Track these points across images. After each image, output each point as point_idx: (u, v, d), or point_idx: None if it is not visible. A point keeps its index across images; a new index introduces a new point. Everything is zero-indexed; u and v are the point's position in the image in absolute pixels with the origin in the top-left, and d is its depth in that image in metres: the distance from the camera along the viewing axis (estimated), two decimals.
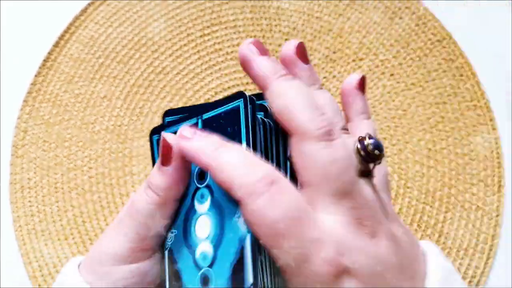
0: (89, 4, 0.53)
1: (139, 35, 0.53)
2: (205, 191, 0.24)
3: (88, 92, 0.51)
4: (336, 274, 0.18)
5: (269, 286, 0.22)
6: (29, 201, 0.48)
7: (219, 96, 0.51)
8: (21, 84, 0.51)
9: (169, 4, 0.54)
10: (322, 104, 0.21)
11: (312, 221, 0.18)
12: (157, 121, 0.50)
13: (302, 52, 0.23)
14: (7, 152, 0.49)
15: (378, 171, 0.21)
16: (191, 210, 0.25)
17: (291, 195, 0.19)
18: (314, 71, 0.24)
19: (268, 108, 0.23)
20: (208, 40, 0.53)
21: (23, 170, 0.49)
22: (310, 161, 0.19)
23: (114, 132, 0.50)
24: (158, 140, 0.27)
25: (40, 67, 0.51)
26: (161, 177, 0.23)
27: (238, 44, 0.53)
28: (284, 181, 0.19)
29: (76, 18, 0.53)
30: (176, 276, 0.24)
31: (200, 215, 0.24)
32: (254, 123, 0.22)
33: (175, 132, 0.25)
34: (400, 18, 0.54)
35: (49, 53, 0.52)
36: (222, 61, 0.52)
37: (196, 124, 0.25)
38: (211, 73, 0.52)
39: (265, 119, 0.24)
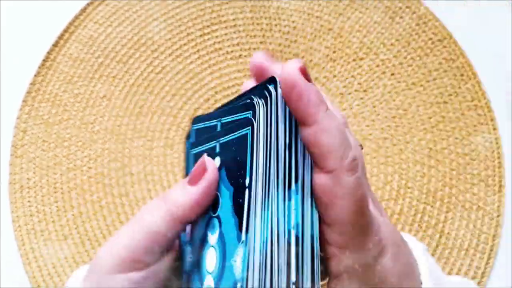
0: (88, 4, 0.53)
1: (138, 34, 0.53)
2: (216, 222, 0.24)
3: (87, 92, 0.51)
4: (380, 251, 0.22)
5: None
6: (29, 201, 0.48)
7: (219, 96, 0.51)
8: (20, 84, 0.51)
9: (169, 4, 0.53)
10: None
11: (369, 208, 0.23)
12: (157, 120, 0.50)
13: (307, 73, 0.22)
14: (6, 152, 0.49)
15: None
16: (205, 239, 0.25)
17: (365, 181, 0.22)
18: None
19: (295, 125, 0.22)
20: (208, 39, 0.53)
21: (22, 170, 0.48)
22: (341, 190, 0.22)
23: (114, 132, 0.50)
24: (196, 130, 0.27)
25: (39, 67, 0.51)
26: (182, 194, 0.23)
27: (238, 44, 0.52)
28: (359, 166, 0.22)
29: (76, 17, 0.53)
30: None
31: (210, 246, 0.24)
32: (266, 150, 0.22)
33: (197, 153, 0.26)
34: (401, 17, 0.54)
35: (49, 53, 0.52)
36: (222, 61, 0.52)
37: (214, 148, 0.25)
38: (211, 72, 0.51)
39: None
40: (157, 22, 0.53)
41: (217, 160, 0.24)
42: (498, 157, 0.50)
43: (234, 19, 0.53)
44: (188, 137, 0.28)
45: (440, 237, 0.48)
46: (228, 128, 0.24)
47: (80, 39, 0.52)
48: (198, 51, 0.52)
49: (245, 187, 0.21)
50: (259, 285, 0.21)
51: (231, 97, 0.51)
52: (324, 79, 0.52)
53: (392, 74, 0.52)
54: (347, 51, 0.53)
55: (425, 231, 0.48)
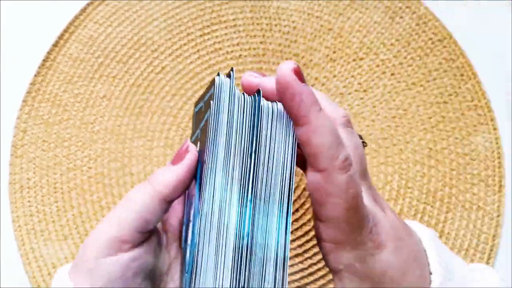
0: (88, 4, 0.53)
1: (138, 34, 0.53)
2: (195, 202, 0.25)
3: (87, 92, 0.51)
4: (377, 246, 0.23)
5: None
6: (29, 201, 0.48)
7: None
8: (20, 84, 0.51)
9: (169, 4, 0.53)
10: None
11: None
12: (157, 120, 0.50)
13: (301, 74, 0.22)
14: (6, 152, 0.49)
15: None
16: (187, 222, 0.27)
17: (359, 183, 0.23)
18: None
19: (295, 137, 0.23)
20: (208, 39, 0.53)
21: (22, 170, 0.48)
22: (335, 188, 0.22)
23: (114, 132, 0.50)
24: (195, 112, 0.30)
25: (39, 67, 0.51)
26: (165, 174, 0.25)
27: (238, 44, 0.52)
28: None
29: (76, 17, 0.53)
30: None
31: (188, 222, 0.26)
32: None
33: (194, 139, 0.28)
34: (401, 17, 0.54)
35: (49, 53, 0.52)
36: (222, 61, 0.52)
37: (198, 134, 0.27)
38: (211, 72, 0.51)
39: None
40: (157, 22, 0.53)
41: (198, 145, 0.26)
42: (498, 157, 0.50)
43: (234, 19, 0.53)
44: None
45: (440, 237, 0.48)
46: (203, 110, 0.26)
47: (80, 39, 0.52)
48: (198, 51, 0.52)
49: (204, 162, 0.23)
50: (214, 241, 0.22)
51: None
52: (324, 79, 0.52)
53: (392, 74, 0.52)
54: (347, 51, 0.53)
55: None
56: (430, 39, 0.53)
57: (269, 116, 0.23)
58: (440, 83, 0.52)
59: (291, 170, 0.23)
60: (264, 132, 0.22)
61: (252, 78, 0.25)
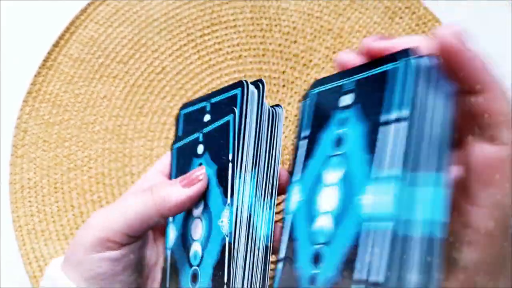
0: (89, 4, 0.53)
1: (139, 35, 0.53)
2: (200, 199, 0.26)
3: (88, 92, 0.51)
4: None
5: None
6: (29, 201, 0.48)
7: None
8: (21, 84, 0.51)
9: (169, 4, 0.53)
10: None
11: None
12: (157, 120, 0.50)
13: (463, 37, 0.19)
14: (7, 152, 0.49)
15: None
16: (189, 214, 0.27)
17: None
18: None
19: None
20: (208, 40, 0.53)
21: (23, 170, 0.49)
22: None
23: (114, 132, 0.50)
24: (185, 114, 0.30)
25: (40, 67, 0.51)
26: (170, 191, 0.25)
27: (238, 44, 0.52)
28: None
29: (76, 18, 0.53)
30: (176, 274, 0.26)
31: (195, 218, 0.26)
32: (240, 136, 0.24)
33: (180, 146, 0.28)
34: (401, 18, 0.54)
35: (49, 53, 0.52)
36: (222, 61, 0.52)
37: (197, 138, 0.27)
38: (211, 73, 0.52)
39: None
40: (157, 22, 0.53)
41: (200, 147, 0.26)
42: None
43: (234, 19, 0.53)
44: (182, 107, 0.31)
45: None
46: (215, 112, 0.26)
47: (81, 39, 0.52)
48: (198, 51, 0.52)
49: (228, 161, 0.24)
50: (245, 237, 0.23)
51: None
52: None
53: None
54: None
55: None
56: None
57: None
58: None
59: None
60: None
61: (379, 42, 0.21)
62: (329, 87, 0.23)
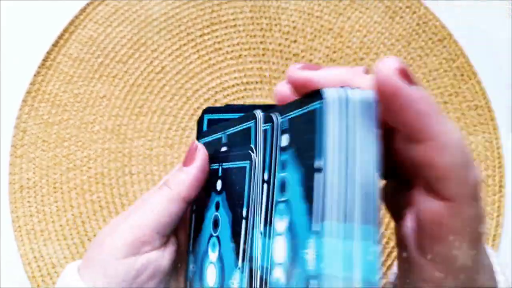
0: (88, 4, 0.53)
1: (138, 34, 0.53)
2: (216, 242, 0.25)
3: (87, 92, 0.51)
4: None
5: None
6: (28, 201, 0.48)
7: (219, 96, 0.51)
8: (20, 84, 0.51)
9: (169, 4, 0.53)
10: None
11: None
12: (157, 120, 0.50)
13: (409, 75, 0.17)
14: (6, 152, 0.49)
15: None
16: (206, 254, 0.26)
17: None
18: None
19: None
20: (208, 39, 0.52)
21: (22, 170, 0.48)
22: None
23: (114, 132, 0.50)
24: (209, 120, 0.29)
25: (39, 67, 0.51)
26: (179, 175, 0.25)
27: (238, 44, 0.52)
28: None
29: (76, 17, 0.53)
30: None
31: (210, 263, 0.25)
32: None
33: (204, 143, 0.27)
34: (401, 17, 0.54)
35: (48, 53, 0.52)
36: (222, 61, 0.52)
37: (217, 171, 0.26)
38: (211, 72, 0.51)
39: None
40: (157, 22, 0.53)
41: (219, 183, 0.25)
42: (498, 157, 0.50)
43: (234, 19, 0.53)
44: (206, 110, 0.29)
45: None
46: (231, 151, 0.25)
47: (80, 39, 0.52)
48: (198, 51, 0.52)
49: (242, 218, 0.22)
50: None
51: (231, 97, 0.51)
52: None
53: None
54: (347, 51, 0.53)
55: None
56: (430, 39, 0.53)
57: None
58: (440, 83, 0.52)
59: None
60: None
61: (301, 72, 0.19)
62: (268, 126, 0.22)
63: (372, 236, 0.16)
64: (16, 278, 0.46)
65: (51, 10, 0.53)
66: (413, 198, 0.18)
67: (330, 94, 0.17)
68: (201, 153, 0.25)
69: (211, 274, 0.25)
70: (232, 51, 0.52)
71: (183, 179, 0.25)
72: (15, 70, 0.52)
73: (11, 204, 0.47)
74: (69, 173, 0.48)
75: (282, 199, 0.20)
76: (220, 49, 0.52)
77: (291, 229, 0.19)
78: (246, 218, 0.22)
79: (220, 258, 0.24)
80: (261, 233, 0.21)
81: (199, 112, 0.50)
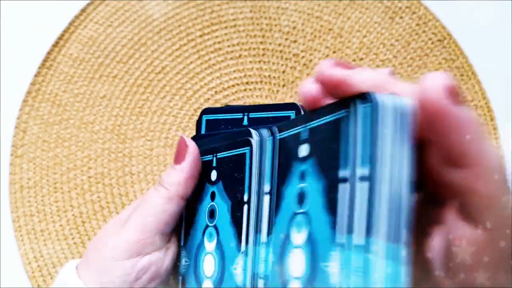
0: (88, 4, 0.53)
1: (138, 34, 0.53)
2: (213, 231, 0.25)
3: (87, 92, 0.51)
4: None
5: None
6: (29, 201, 0.48)
7: (219, 96, 0.51)
8: (20, 84, 0.51)
9: (169, 4, 0.53)
10: None
11: None
12: (157, 120, 0.50)
13: (455, 93, 0.15)
14: (6, 152, 0.49)
15: None
16: (201, 246, 0.26)
17: None
18: None
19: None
20: (208, 39, 0.53)
21: (22, 170, 0.48)
22: None
23: (114, 132, 0.50)
24: (207, 120, 0.29)
25: (39, 67, 0.51)
26: (173, 173, 0.25)
27: (238, 44, 0.52)
28: None
29: (76, 17, 0.53)
30: None
31: (207, 253, 0.25)
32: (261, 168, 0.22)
33: (199, 145, 0.26)
34: (401, 17, 0.54)
35: (49, 53, 0.52)
36: (222, 61, 0.52)
37: (211, 161, 0.26)
38: (211, 72, 0.51)
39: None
40: (157, 22, 0.53)
41: (214, 173, 0.25)
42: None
43: (234, 19, 0.53)
44: (205, 111, 0.29)
45: None
46: (227, 144, 0.25)
47: (80, 39, 0.52)
48: (198, 51, 0.52)
49: (243, 203, 0.22)
50: None
51: (231, 97, 0.51)
52: None
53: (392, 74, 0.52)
54: (347, 51, 0.53)
55: None
56: (430, 39, 0.53)
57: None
58: None
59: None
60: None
61: (335, 71, 0.17)
62: (289, 133, 0.21)
63: (399, 255, 0.15)
64: (16, 278, 0.46)
65: (51, 10, 0.53)
66: (444, 217, 0.17)
67: (380, 99, 0.15)
68: (192, 148, 0.25)
69: (208, 264, 0.25)
70: (232, 51, 0.52)
71: (178, 177, 0.25)
72: (15, 70, 0.52)
73: (11, 204, 0.48)
74: (69, 173, 0.48)
75: (300, 210, 0.19)
76: (220, 49, 0.52)
77: (311, 241, 0.18)
78: (248, 203, 0.22)
79: (220, 246, 0.24)
80: (264, 243, 0.21)
81: (199, 112, 0.50)
